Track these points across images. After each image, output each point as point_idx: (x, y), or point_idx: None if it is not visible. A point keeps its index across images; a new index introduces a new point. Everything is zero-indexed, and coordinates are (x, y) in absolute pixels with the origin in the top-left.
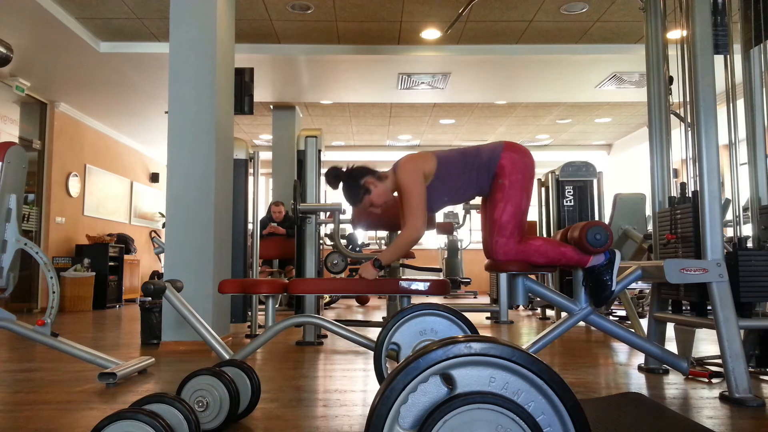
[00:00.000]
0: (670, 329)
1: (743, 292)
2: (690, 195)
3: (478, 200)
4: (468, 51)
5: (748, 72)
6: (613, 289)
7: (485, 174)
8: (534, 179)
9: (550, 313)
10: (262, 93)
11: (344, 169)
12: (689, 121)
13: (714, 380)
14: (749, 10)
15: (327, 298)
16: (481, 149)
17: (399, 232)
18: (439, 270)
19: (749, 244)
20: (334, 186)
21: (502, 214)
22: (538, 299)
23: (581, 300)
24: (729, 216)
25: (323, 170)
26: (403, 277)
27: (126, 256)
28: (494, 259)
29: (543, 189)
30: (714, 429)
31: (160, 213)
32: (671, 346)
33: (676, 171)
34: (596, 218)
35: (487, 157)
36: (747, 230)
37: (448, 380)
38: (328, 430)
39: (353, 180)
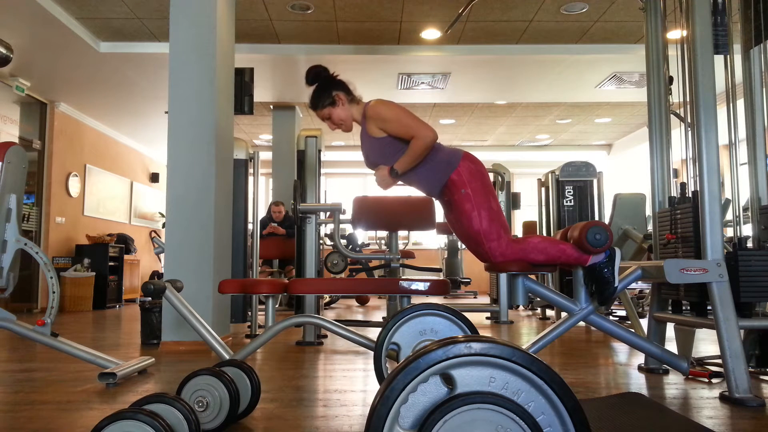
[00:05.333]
0: (670, 329)
1: (743, 292)
2: (690, 195)
3: None
4: (468, 51)
5: (748, 72)
6: (615, 285)
7: (440, 172)
8: (490, 183)
9: (550, 313)
10: (262, 93)
11: (328, 73)
12: (689, 121)
13: (714, 380)
14: (749, 10)
15: (327, 298)
16: (442, 148)
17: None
18: (439, 270)
19: (749, 244)
20: (308, 82)
21: (481, 221)
22: (538, 299)
23: (581, 300)
24: (729, 216)
25: (323, 170)
26: (403, 277)
27: (126, 256)
28: (493, 263)
29: (543, 189)
30: (714, 429)
31: (160, 213)
32: (671, 346)
33: (676, 171)
34: (596, 218)
35: (446, 156)
36: (747, 230)
37: (448, 380)
38: (328, 430)
39: (327, 88)
